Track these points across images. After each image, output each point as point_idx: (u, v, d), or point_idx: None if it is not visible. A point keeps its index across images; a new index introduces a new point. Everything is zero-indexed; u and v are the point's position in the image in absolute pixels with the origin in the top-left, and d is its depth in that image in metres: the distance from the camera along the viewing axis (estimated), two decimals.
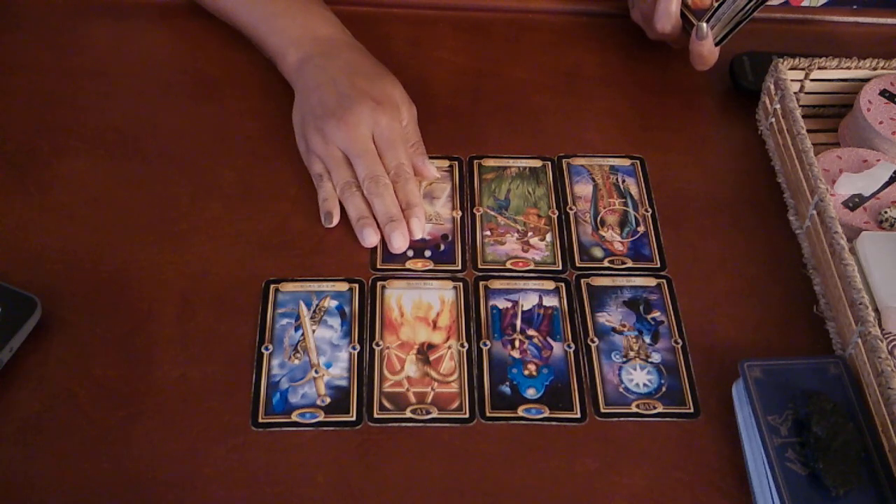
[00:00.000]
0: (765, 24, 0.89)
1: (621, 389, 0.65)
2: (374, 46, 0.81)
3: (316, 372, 0.65)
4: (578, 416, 0.64)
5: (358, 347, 0.66)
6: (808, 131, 0.73)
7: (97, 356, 0.65)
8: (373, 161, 0.73)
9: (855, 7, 0.94)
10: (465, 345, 0.67)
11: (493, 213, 0.75)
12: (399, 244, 0.71)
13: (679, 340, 0.67)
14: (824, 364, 0.63)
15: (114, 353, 0.65)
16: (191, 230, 0.72)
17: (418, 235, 0.73)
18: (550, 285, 0.70)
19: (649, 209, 0.76)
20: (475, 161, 0.78)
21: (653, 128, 0.82)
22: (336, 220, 0.73)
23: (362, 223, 0.72)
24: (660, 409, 0.64)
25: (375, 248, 0.72)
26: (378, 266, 0.71)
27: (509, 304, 0.69)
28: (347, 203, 0.73)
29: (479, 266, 0.71)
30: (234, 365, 0.65)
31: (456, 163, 0.78)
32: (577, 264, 0.72)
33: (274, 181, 0.76)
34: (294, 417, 0.63)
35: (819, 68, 0.79)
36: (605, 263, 0.72)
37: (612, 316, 0.69)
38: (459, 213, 0.75)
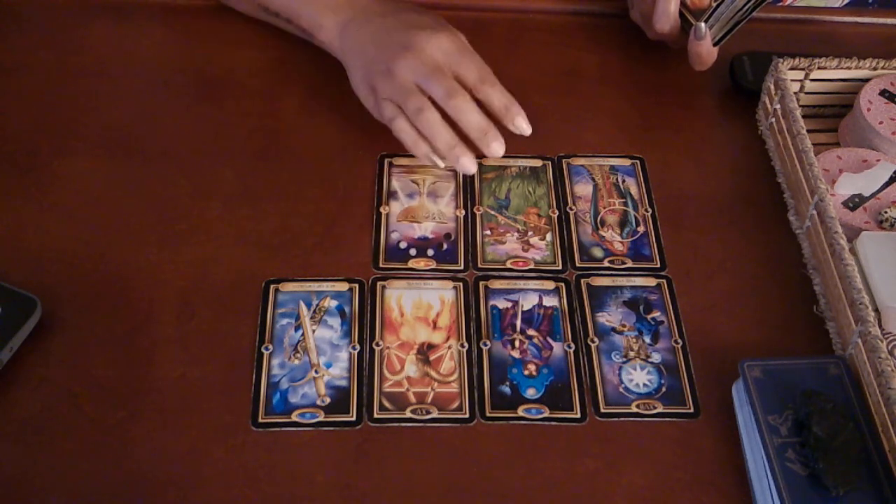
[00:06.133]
0: (765, 24, 0.89)
1: (621, 389, 0.65)
2: None
3: (316, 372, 0.65)
4: (578, 416, 0.64)
5: (358, 347, 0.66)
6: (808, 131, 0.73)
7: (97, 356, 0.65)
8: (446, 78, 0.71)
9: (863, 7, 0.94)
10: (465, 345, 0.67)
11: (493, 212, 0.75)
12: (498, 151, 0.71)
13: (679, 340, 0.67)
14: (824, 364, 0.63)
15: (114, 353, 0.65)
16: (191, 230, 0.72)
17: (528, 131, 0.72)
18: (550, 285, 0.70)
19: (649, 209, 0.76)
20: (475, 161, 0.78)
21: (653, 128, 0.82)
22: (440, 159, 0.72)
23: (456, 153, 0.70)
24: (660, 409, 0.64)
25: (377, 247, 0.72)
26: (380, 266, 0.71)
27: (509, 304, 0.69)
28: (431, 132, 0.70)
29: (480, 266, 0.71)
30: (234, 365, 0.65)
31: None
32: (577, 264, 0.72)
33: (274, 181, 0.76)
34: (294, 417, 0.63)
35: (819, 68, 0.78)
36: (605, 263, 0.72)
37: (612, 316, 0.69)
38: (463, 212, 0.75)
